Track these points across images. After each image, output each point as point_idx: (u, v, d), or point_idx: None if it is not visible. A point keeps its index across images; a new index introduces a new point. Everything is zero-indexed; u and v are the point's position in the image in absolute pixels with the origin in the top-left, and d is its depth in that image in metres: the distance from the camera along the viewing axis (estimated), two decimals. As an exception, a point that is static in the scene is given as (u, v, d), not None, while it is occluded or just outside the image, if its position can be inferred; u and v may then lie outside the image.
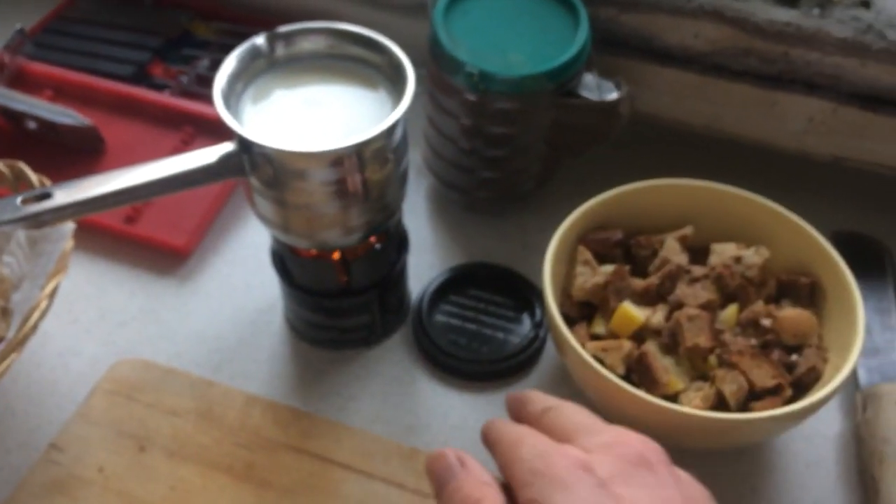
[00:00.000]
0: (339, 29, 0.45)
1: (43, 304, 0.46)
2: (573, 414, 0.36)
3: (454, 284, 0.56)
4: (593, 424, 0.35)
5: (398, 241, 0.53)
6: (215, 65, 0.68)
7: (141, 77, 0.68)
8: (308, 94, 0.45)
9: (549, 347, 0.54)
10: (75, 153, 0.64)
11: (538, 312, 0.54)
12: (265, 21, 0.68)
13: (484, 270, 0.57)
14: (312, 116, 0.44)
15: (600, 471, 0.31)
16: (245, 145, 0.42)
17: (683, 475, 0.33)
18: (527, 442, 0.34)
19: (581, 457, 0.32)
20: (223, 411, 0.50)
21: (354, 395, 0.52)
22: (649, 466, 0.32)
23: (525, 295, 0.55)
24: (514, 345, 0.53)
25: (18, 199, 0.39)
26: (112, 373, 0.52)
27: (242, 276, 0.59)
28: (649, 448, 0.33)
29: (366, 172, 0.43)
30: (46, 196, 0.39)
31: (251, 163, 0.43)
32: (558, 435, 0.35)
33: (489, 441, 0.36)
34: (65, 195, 0.40)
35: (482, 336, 0.53)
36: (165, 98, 0.66)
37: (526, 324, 0.54)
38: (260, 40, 0.45)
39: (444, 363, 0.53)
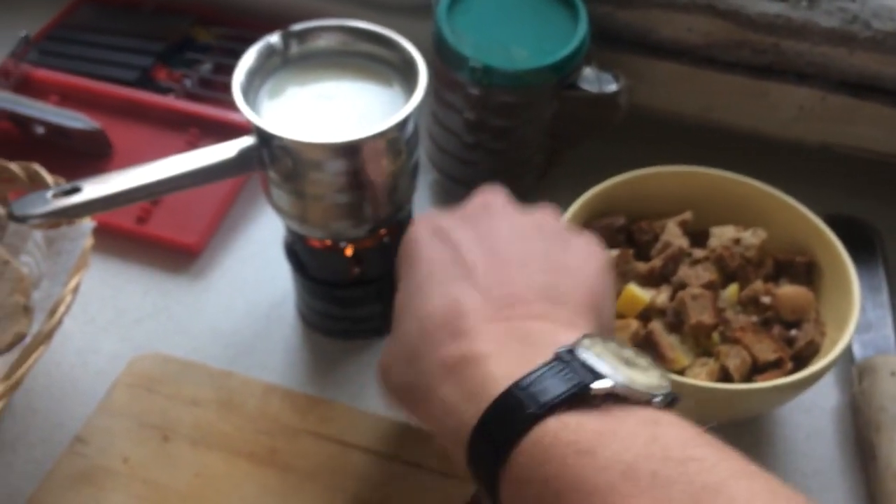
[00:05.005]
0: (351, 26, 0.47)
1: (67, 299, 0.47)
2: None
3: None
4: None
5: (408, 233, 0.54)
6: (218, 68, 0.70)
7: (145, 81, 0.69)
8: (322, 90, 0.47)
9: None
10: (83, 157, 0.65)
11: None
12: (264, 25, 0.70)
13: None
14: (327, 111, 0.46)
15: (444, 226, 0.40)
16: (264, 138, 0.44)
17: (526, 214, 0.41)
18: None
19: (435, 223, 0.40)
20: (243, 400, 0.51)
21: (368, 382, 0.54)
22: (486, 211, 0.40)
23: None
24: None
25: (49, 194, 0.40)
26: (132, 367, 0.53)
27: (253, 272, 0.60)
28: (492, 197, 0.41)
29: (381, 164, 0.45)
30: (76, 190, 0.41)
31: (270, 155, 0.44)
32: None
33: None
34: (93, 189, 0.41)
35: None
36: (170, 101, 0.67)
37: None
38: (274, 38, 0.46)
39: None
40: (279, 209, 0.48)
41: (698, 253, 0.50)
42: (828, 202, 0.58)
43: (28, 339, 0.47)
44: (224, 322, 0.57)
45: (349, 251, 0.51)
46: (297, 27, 0.47)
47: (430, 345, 0.35)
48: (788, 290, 0.49)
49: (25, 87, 0.68)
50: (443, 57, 0.55)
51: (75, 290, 0.48)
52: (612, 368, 0.30)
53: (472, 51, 0.53)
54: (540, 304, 0.35)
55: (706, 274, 0.49)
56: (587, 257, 0.38)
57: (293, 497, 0.47)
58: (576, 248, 0.39)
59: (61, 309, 0.46)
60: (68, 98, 0.68)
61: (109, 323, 0.57)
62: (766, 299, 0.48)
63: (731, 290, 0.49)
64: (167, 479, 0.48)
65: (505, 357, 0.32)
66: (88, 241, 0.50)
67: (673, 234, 0.51)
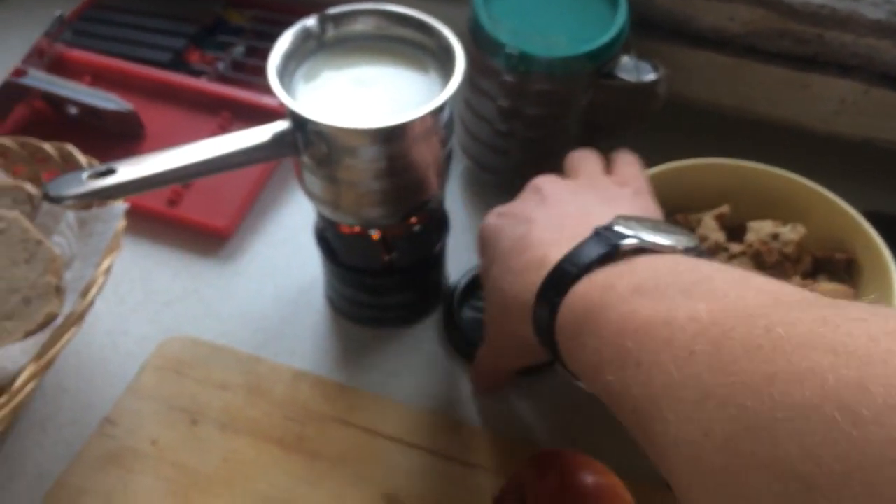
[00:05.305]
0: (388, 11, 0.46)
1: (99, 281, 0.47)
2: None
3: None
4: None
5: (439, 222, 0.54)
6: (250, 51, 0.70)
7: (178, 63, 0.69)
8: (358, 75, 0.46)
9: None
10: (115, 138, 0.65)
11: None
12: (296, 8, 0.69)
13: None
14: (362, 96, 0.45)
15: (504, 208, 0.45)
16: (299, 123, 0.43)
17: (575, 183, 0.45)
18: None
19: (496, 210, 0.45)
20: (271, 386, 0.51)
21: (396, 371, 0.53)
22: (537, 191, 0.44)
23: None
24: None
25: (84, 175, 0.40)
26: (161, 350, 0.53)
27: (283, 257, 0.60)
28: (541, 178, 0.45)
29: (416, 151, 0.44)
30: (111, 172, 0.40)
31: (305, 140, 0.44)
32: None
33: None
34: (128, 171, 0.41)
35: None
36: (203, 84, 0.67)
37: None
38: (311, 21, 0.46)
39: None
40: (311, 195, 0.47)
41: (735, 248, 0.49)
42: (869, 198, 0.57)
43: (59, 320, 0.47)
44: (253, 306, 0.57)
45: (380, 238, 0.50)
46: (334, 10, 0.46)
47: (505, 270, 0.40)
48: (827, 288, 0.48)
49: (59, 67, 0.68)
50: (478, 43, 0.54)
51: (107, 272, 0.48)
52: (641, 233, 0.35)
53: (508, 37, 0.52)
54: (594, 223, 0.39)
55: (743, 269, 0.48)
56: (634, 197, 0.43)
57: (321, 484, 0.47)
58: (620, 192, 0.43)
59: (93, 291, 0.46)
60: (101, 79, 0.68)
61: (139, 304, 0.57)
62: (804, 296, 0.47)
63: (769, 286, 0.48)
64: (196, 462, 0.48)
65: (560, 249, 0.37)
66: (121, 223, 0.50)
67: (709, 228, 0.50)
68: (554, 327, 0.35)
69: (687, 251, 0.35)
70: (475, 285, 0.56)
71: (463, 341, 0.53)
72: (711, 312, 0.28)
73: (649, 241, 0.35)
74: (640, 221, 0.36)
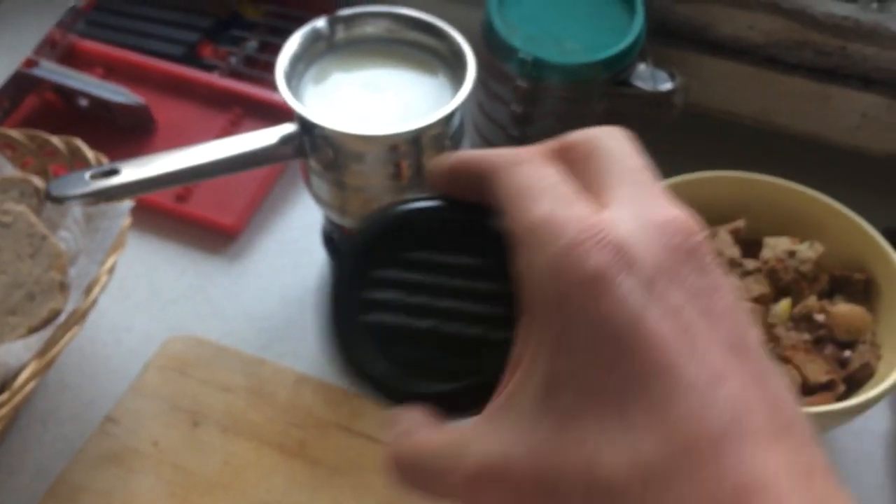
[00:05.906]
0: (399, 14, 0.45)
1: (103, 280, 0.47)
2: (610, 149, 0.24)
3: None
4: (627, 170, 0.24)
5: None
6: (263, 47, 0.69)
7: (190, 57, 0.69)
8: (367, 78, 0.45)
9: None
10: (125, 132, 0.64)
11: None
12: (312, 3, 0.69)
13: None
14: (371, 100, 0.44)
15: (643, 261, 0.22)
16: (307, 127, 0.43)
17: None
18: (527, 177, 0.23)
19: (610, 234, 0.22)
20: (274, 389, 0.50)
21: (401, 377, 0.53)
22: (692, 258, 0.23)
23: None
24: None
25: (87, 175, 0.40)
26: (165, 349, 0.52)
27: (290, 257, 0.59)
28: (707, 256, 0.23)
29: (423, 157, 0.44)
30: (114, 172, 0.40)
31: (312, 144, 0.43)
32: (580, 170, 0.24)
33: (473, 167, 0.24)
34: (131, 172, 0.40)
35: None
36: (215, 79, 0.66)
37: None
38: (321, 23, 0.45)
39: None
40: (318, 199, 0.47)
41: (750, 264, 0.48)
42: (888, 214, 0.55)
43: (63, 317, 0.47)
44: (259, 307, 0.56)
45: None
46: (345, 13, 0.45)
47: (682, 467, 0.21)
48: (844, 309, 0.46)
49: (71, 58, 0.68)
50: (492, 47, 0.53)
51: (111, 270, 0.48)
52: None
53: (522, 42, 0.51)
54: (803, 424, 0.23)
55: (757, 287, 0.47)
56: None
57: (321, 491, 0.46)
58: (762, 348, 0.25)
59: (96, 290, 0.46)
60: (113, 71, 0.67)
61: (144, 301, 0.57)
62: (819, 317, 0.46)
63: (783, 305, 0.47)
64: (196, 465, 0.47)
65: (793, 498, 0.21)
66: (126, 221, 0.49)
67: (724, 243, 0.49)
68: None
69: None
70: (389, 250, 0.26)
71: (365, 368, 0.27)
72: None
73: None
74: None
